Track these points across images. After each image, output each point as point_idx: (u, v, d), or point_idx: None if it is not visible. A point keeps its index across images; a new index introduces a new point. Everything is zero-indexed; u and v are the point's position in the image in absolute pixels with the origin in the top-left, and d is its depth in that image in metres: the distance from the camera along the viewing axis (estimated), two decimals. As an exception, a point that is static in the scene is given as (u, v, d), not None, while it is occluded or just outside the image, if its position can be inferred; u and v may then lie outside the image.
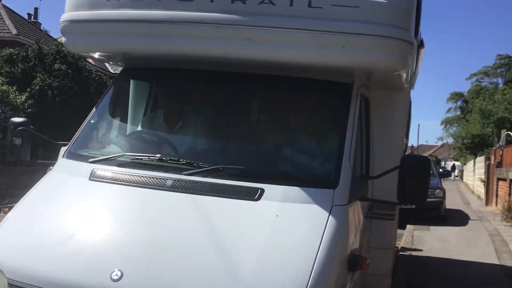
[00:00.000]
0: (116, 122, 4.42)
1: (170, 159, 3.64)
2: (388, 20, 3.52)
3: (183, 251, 2.95)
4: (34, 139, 4.21)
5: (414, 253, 10.57)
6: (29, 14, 34.17)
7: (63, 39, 4.28)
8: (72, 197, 3.47)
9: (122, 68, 4.67)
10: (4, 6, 28.43)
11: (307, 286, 2.74)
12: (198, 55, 3.87)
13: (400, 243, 11.65)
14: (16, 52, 18.89)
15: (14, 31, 25.49)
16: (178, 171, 3.49)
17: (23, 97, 16.75)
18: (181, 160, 3.61)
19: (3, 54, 18.77)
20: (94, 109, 4.29)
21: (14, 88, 16.83)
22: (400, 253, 10.44)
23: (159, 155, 3.65)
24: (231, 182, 3.35)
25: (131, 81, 4.84)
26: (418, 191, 3.60)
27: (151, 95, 4.79)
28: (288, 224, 3.13)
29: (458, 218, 16.62)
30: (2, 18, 26.73)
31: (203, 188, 3.32)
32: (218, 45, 3.67)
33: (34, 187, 3.69)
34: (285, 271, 2.81)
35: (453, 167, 49.42)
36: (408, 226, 13.82)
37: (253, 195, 3.25)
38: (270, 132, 4.16)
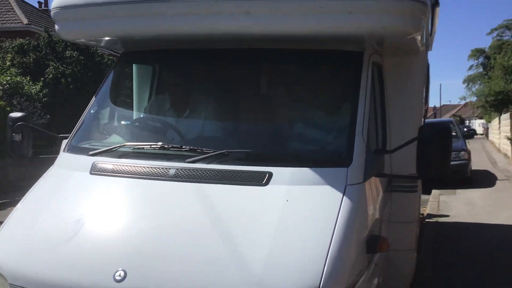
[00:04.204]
0: (118, 110, 4.24)
1: (173, 147, 3.46)
2: None
3: (188, 244, 2.77)
4: (34, 133, 4.06)
5: (440, 219, 10.31)
6: (39, 3, 34.02)
7: (56, 27, 4.08)
8: (72, 194, 3.32)
9: (121, 52, 4.47)
10: (14, -3, 28.35)
11: (321, 277, 2.55)
12: (195, 34, 3.64)
13: (426, 210, 11.39)
14: (27, 42, 18.81)
15: (25, 21, 25.42)
16: (181, 158, 3.31)
17: (38, 87, 16.71)
18: (184, 146, 3.43)
19: (14, 45, 18.71)
20: (93, 98, 4.11)
21: (28, 78, 16.77)
22: (426, 220, 10.19)
23: (161, 143, 3.46)
24: (236, 167, 3.16)
25: (132, 66, 4.65)
26: (439, 162, 3.35)
27: (152, 78, 4.60)
28: (299, 210, 2.92)
29: (485, 179, 16.21)
30: (13, 8, 26.67)
31: (207, 176, 3.13)
32: (214, 21, 3.43)
33: (35, 184, 3.55)
34: (297, 262, 2.62)
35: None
36: (434, 191, 13.52)
37: (261, 180, 3.04)
38: (277, 110, 3.93)
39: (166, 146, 3.45)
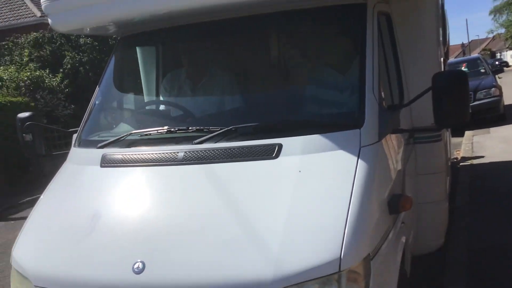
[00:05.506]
0: (123, 97, 4.17)
1: (179, 129, 3.37)
2: None
3: (203, 229, 2.71)
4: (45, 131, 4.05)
5: (475, 161, 10.02)
6: (49, -6, 34.01)
7: (49, 21, 3.99)
8: (86, 189, 3.29)
9: (119, 38, 4.36)
10: (24, -10, 28.36)
11: (341, 247, 2.45)
12: (192, 7, 3.49)
13: (460, 153, 11.11)
14: (41, 35, 18.91)
15: (38, 14, 25.47)
16: (189, 140, 3.21)
17: (58, 79, 16.86)
18: (190, 128, 3.33)
19: (29, 39, 18.84)
20: (97, 88, 4.05)
21: (47, 71, 16.93)
22: (461, 164, 9.93)
23: (167, 127, 3.38)
24: (245, 143, 3.05)
25: (133, 50, 4.55)
26: (456, 110, 3.15)
27: (156, 61, 4.49)
28: (313, 179, 2.80)
29: (520, 113, 15.64)
30: (25, 3, 26.74)
31: (216, 155, 3.03)
32: None
33: (50, 183, 3.54)
34: (315, 236, 2.51)
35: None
36: (467, 133, 13.16)
37: (271, 153, 2.93)
38: (283, 77, 3.77)
39: (172, 129, 3.36)
